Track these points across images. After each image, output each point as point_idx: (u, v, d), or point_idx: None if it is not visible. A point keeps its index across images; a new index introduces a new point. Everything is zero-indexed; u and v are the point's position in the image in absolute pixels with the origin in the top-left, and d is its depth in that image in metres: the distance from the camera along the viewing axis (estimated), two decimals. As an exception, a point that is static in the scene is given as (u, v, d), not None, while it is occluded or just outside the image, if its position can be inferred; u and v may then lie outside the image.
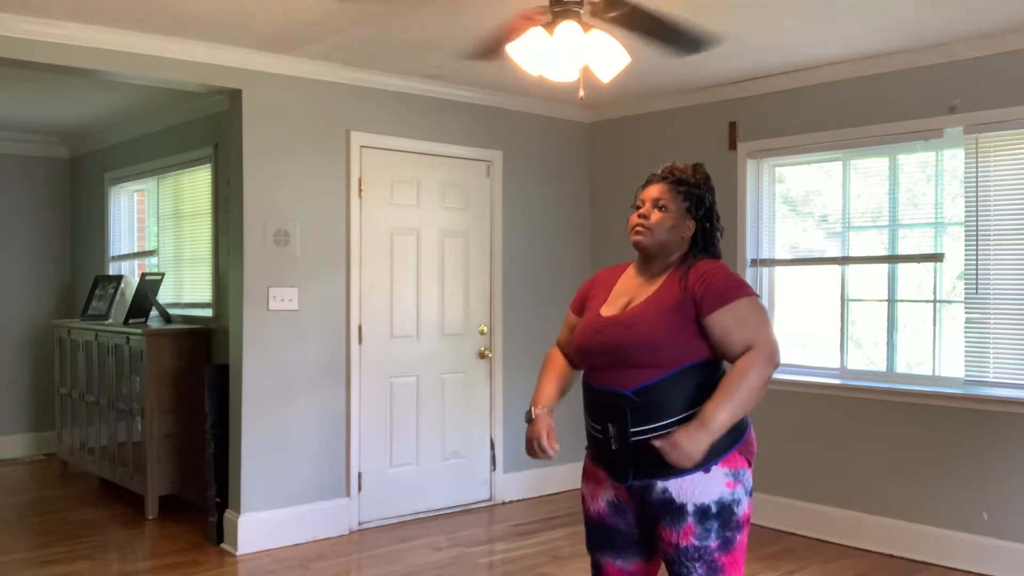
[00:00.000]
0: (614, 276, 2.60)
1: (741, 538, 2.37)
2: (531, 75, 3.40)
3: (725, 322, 2.30)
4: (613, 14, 3.18)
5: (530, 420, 2.53)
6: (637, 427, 2.32)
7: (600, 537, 2.53)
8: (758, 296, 2.41)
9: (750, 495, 2.39)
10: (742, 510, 2.35)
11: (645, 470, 2.34)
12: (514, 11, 3.30)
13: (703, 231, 2.48)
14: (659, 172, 2.53)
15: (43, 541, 5.00)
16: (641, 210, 2.48)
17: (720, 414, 2.25)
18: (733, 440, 2.36)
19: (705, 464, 2.31)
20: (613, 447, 2.38)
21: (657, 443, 2.25)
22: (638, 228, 2.46)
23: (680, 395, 2.31)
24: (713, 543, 2.31)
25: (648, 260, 2.50)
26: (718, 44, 3.55)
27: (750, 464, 2.41)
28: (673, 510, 2.33)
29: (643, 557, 2.50)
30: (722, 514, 2.32)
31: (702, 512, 2.31)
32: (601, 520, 2.51)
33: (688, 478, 2.31)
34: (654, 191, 2.49)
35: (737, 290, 2.34)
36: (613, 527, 2.49)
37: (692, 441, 2.23)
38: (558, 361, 2.68)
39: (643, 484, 2.36)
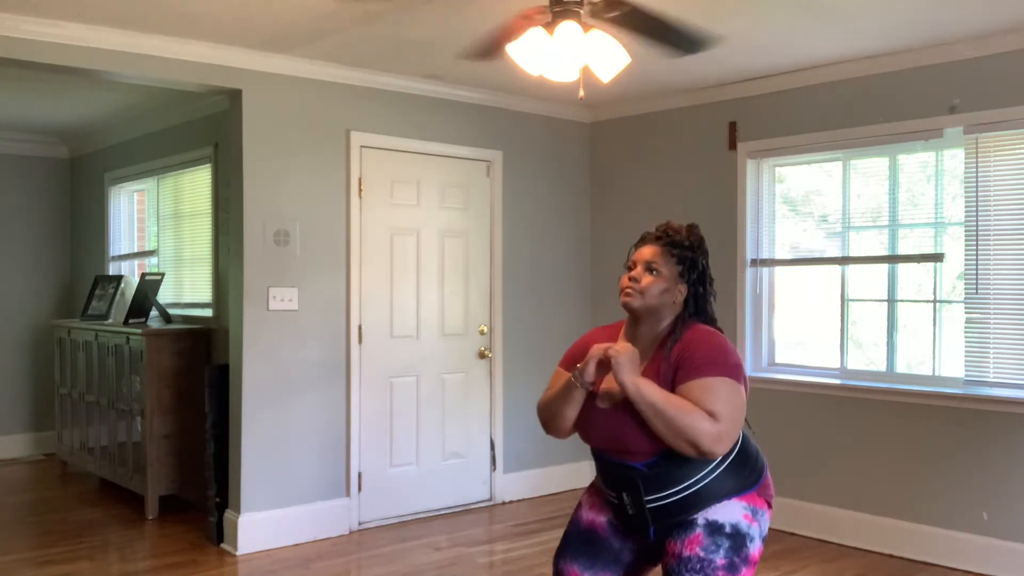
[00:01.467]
0: (607, 341, 2.47)
1: (747, 573, 2.31)
2: (531, 75, 3.40)
3: (689, 393, 2.23)
4: (613, 14, 3.17)
5: (577, 374, 2.37)
6: (652, 495, 2.30)
7: (579, 545, 2.48)
8: (740, 383, 2.28)
9: (763, 540, 2.35)
10: (754, 548, 2.31)
11: (666, 529, 2.33)
12: (514, 11, 3.30)
13: (695, 295, 2.43)
14: (653, 232, 2.48)
15: (43, 541, 5.00)
16: (632, 272, 2.43)
17: (652, 395, 2.21)
18: (752, 482, 2.35)
19: (719, 500, 2.30)
20: (630, 512, 2.36)
21: (614, 352, 2.25)
22: (627, 291, 2.41)
23: (692, 461, 2.27)
24: (720, 560, 2.25)
25: (638, 322, 2.44)
26: (716, 45, 3.56)
27: (769, 507, 2.39)
28: (683, 524, 2.31)
29: None
30: (735, 538, 2.28)
31: (713, 527, 2.28)
32: (590, 530, 2.48)
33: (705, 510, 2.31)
34: (647, 252, 2.43)
35: (715, 368, 2.26)
36: (604, 541, 2.45)
37: (633, 363, 2.24)
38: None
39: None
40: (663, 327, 2.41)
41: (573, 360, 2.46)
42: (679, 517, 2.29)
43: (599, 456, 2.42)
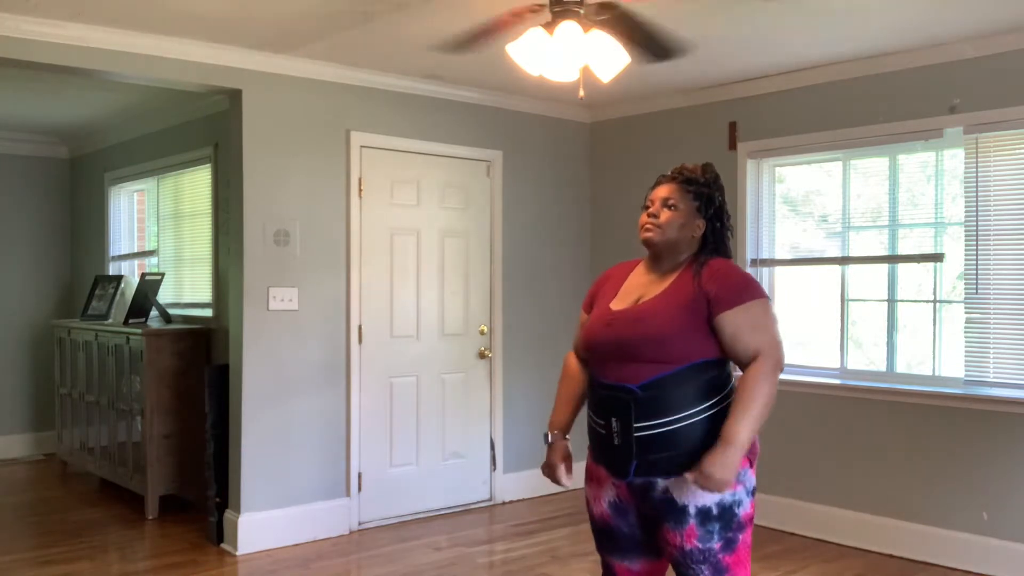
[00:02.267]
0: (624, 272, 2.60)
1: (744, 537, 2.37)
2: (531, 75, 3.40)
3: (737, 323, 2.31)
4: (603, 17, 3.18)
5: (548, 443, 2.60)
6: (641, 422, 2.32)
7: (605, 539, 2.54)
8: (769, 299, 2.41)
9: (752, 495, 2.39)
10: (743, 511, 2.35)
11: (646, 467, 2.34)
12: (508, 8, 3.29)
13: (713, 230, 2.49)
14: (668, 173, 2.55)
15: (43, 541, 5.00)
16: (651, 209, 2.49)
17: (742, 431, 2.26)
18: None
19: (702, 448, 2.31)
20: (616, 442, 2.37)
21: (690, 476, 2.26)
22: (648, 226, 2.48)
23: (686, 392, 2.31)
24: (716, 544, 2.32)
25: (658, 258, 2.51)
26: (689, 52, 3.63)
27: (752, 464, 2.41)
28: (675, 512, 2.33)
29: (649, 557, 2.50)
30: (723, 516, 2.32)
31: (703, 514, 2.31)
32: (604, 523, 2.51)
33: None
34: (663, 191, 2.50)
35: (750, 292, 2.36)
36: (616, 529, 2.49)
37: (721, 465, 2.23)
38: (574, 371, 2.65)
39: (644, 482, 2.36)
40: (682, 260, 2.48)
41: (592, 302, 2.61)
42: (661, 455, 2.30)
43: (596, 382, 2.45)
